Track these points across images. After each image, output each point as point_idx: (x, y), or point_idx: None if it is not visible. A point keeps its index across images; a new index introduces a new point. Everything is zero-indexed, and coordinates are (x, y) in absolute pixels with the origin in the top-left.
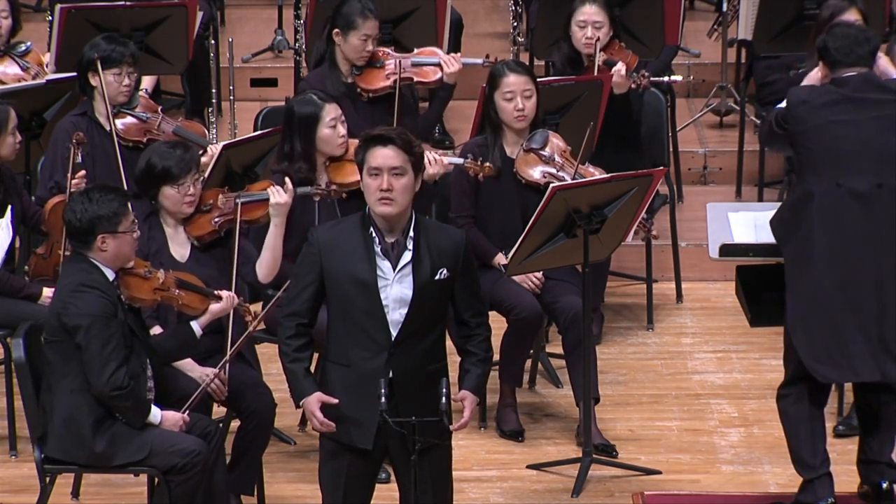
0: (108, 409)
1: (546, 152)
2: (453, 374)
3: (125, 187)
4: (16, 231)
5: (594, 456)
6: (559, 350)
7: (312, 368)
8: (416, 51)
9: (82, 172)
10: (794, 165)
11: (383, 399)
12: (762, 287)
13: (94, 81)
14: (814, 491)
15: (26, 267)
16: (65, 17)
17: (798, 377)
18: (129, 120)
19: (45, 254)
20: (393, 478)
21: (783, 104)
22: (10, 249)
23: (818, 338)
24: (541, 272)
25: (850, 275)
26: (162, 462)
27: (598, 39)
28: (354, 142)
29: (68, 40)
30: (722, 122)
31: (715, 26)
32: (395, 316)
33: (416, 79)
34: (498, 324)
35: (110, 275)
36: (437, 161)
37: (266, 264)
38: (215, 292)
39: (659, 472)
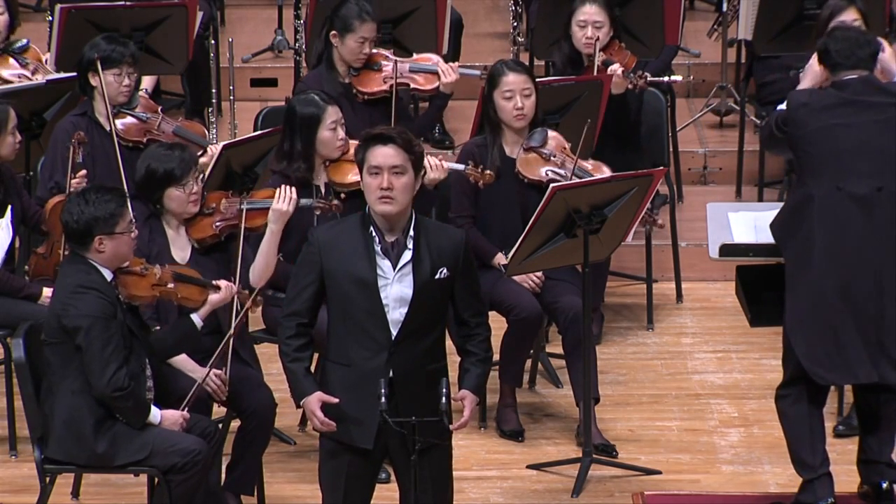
0: (109, 410)
1: (546, 150)
2: (453, 374)
3: (125, 187)
4: (16, 231)
5: (594, 456)
6: (559, 350)
7: (312, 369)
8: (414, 56)
9: (83, 172)
10: (794, 168)
11: (383, 399)
12: (762, 287)
13: (94, 81)
14: (814, 491)
15: (26, 267)
16: (65, 17)
17: (797, 378)
18: (130, 120)
19: (46, 253)
20: (393, 478)
21: (783, 105)
22: (10, 249)
23: (817, 340)
24: (541, 272)
25: (849, 278)
26: (162, 462)
27: (598, 39)
28: (354, 142)
29: (68, 40)
30: (722, 122)
31: (715, 26)
32: (396, 315)
33: (412, 85)
34: (498, 324)
35: (108, 275)
36: (437, 166)
37: (258, 270)
38: (213, 282)
39: (659, 472)
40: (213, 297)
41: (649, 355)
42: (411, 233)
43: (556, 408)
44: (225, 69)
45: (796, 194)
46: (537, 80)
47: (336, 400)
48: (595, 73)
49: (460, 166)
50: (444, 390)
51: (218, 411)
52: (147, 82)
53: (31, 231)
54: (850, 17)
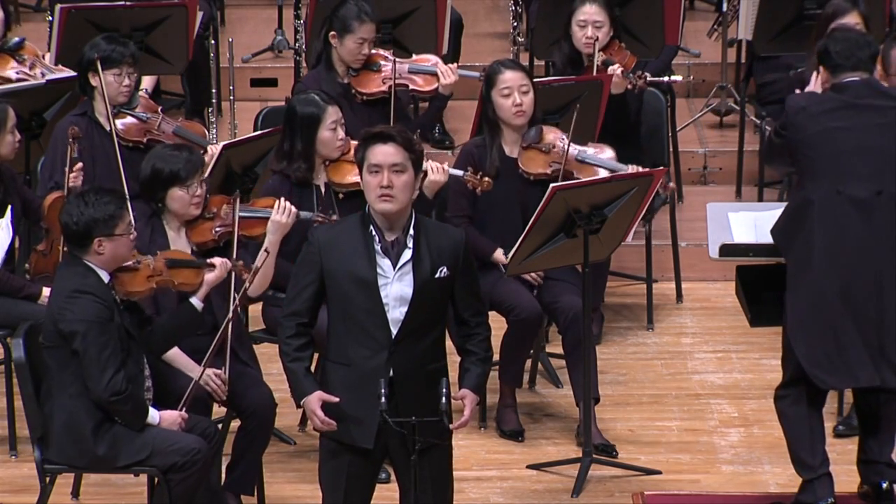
0: (107, 413)
1: (544, 144)
2: (453, 373)
3: (125, 187)
4: (16, 231)
5: (594, 456)
6: (559, 350)
7: (312, 369)
8: (414, 57)
9: (79, 165)
10: (794, 172)
11: (383, 399)
12: (762, 287)
13: (94, 82)
14: (814, 491)
15: (27, 265)
16: (65, 17)
17: (796, 379)
18: (130, 120)
19: (46, 251)
20: (393, 478)
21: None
22: (10, 249)
23: (818, 344)
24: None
25: (849, 282)
26: (162, 461)
27: (597, 39)
28: (354, 143)
29: (68, 40)
30: (722, 122)
31: (715, 26)
32: (396, 314)
33: (411, 86)
34: (498, 324)
35: (105, 276)
36: (438, 169)
37: (256, 281)
38: (208, 261)
39: (659, 472)
40: (209, 277)
41: (649, 355)
42: (411, 232)
43: (556, 408)
44: (225, 69)
45: (796, 198)
46: (538, 80)
47: (336, 399)
48: (595, 73)
49: (459, 172)
50: (444, 390)
51: (218, 411)
52: (147, 82)
53: (32, 223)
54: (853, 20)
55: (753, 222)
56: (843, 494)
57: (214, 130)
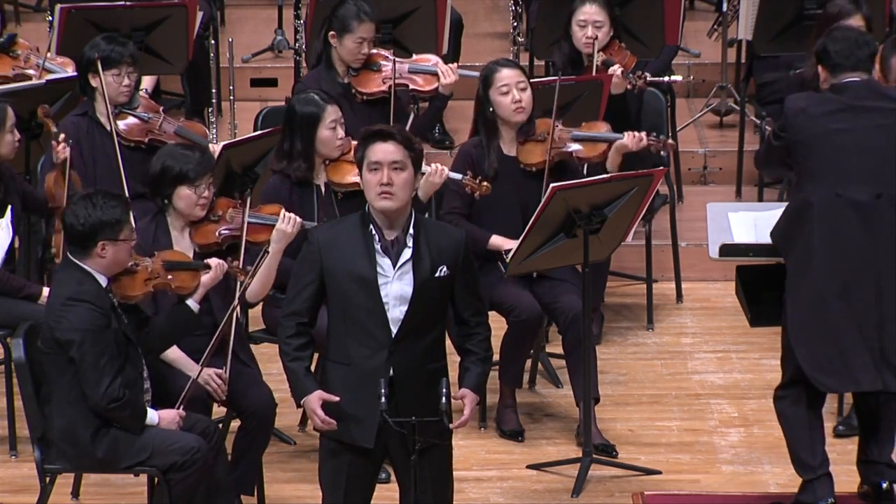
0: (106, 419)
1: (539, 135)
2: (453, 373)
3: (125, 187)
4: (16, 231)
5: (594, 456)
6: (559, 350)
7: (312, 369)
8: (414, 57)
9: (63, 136)
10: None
11: (383, 399)
12: (762, 287)
13: (94, 82)
14: (814, 491)
15: (53, 249)
16: (65, 17)
17: (796, 379)
18: (132, 120)
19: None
20: (393, 478)
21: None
22: (10, 249)
23: (819, 347)
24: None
25: (850, 285)
26: (162, 461)
27: (597, 38)
28: (355, 143)
29: (68, 40)
30: (722, 122)
31: (715, 26)
32: (396, 313)
33: (410, 86)
34: (498, 324)
35: (103, 281)
36: (436, 170)
37: (256, 286)
38: (204, 262)
39: (659, 472)
40: (205, 279)
41: (649, 355)
42: (411, 231)
43: (556, 408)
44: (225, 69)
45: (795, 201)
46: (538, 80)
47: (336, 399)
48: (594, 73)
49: (458, 176)
50: (444, 390)
51: (218, 411)
52: (147, 82)
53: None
54: (857, 22)
55: (753, 222)
56: (843, 494)
57: (214, 130)
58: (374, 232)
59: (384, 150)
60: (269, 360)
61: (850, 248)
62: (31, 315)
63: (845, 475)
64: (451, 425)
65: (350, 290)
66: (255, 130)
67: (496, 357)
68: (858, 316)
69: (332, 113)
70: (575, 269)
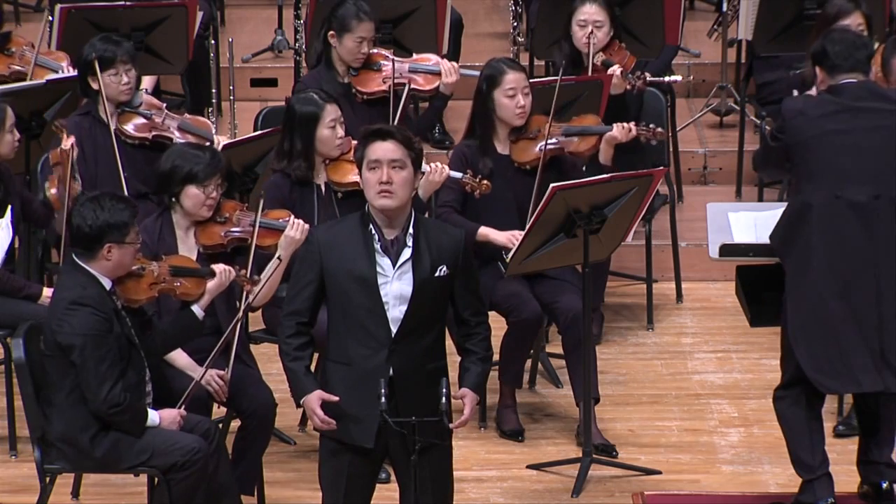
0: (106, 422)
1: (531, 132)
2: (453, 373)
3: (124, 186)
4: (15, 231)
5: (594, 456)
6: (559, 350)
7: (312, 369)
8: (415, 56)
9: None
10: (791, 176)
11: (383, 399)
12: (762, 287)
13: (94, 84)
14: (813, 491)
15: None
16: (65, 17)
17: (795, 380)
18: (139, 120)
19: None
20: (393, 478)
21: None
22: (10, 249)
23: (820, 349)
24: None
25: (849, 286)
26: (163, 461)
27: (592, 33)
28: (356, 143)
29: (68, 40)
30: (722, 122)
31: (715, 26)
32: (395, 313)
33: (411, 85)
34: (498, 324)
35: (107, 284)
36: (437, 169)
37: (262, 292)
38: (210, 268)
39: (659, 472)
40: (211, 285)
41: (649, 355)
42: (411, 230)
43: (556, 408)
44: (225, 69)
45: (794, 203)
46: (538, 80)
47: (336, 398)
48: (590, 73)
49: (458, 175)
50: (444, 390)
51: (218, 411)
52: (147, 82)
53: (31, 228)
54: (856, 21)
55: (753, 222)
56: (843, 494)
57: (214, 130)
58: (373, 231)
59: (384, 149)
60: (269, 360)
61: (850, 249)
62: (31, 315)
63: (845, 475)
64: (451, 425)
65: (350, 289)
66: (255, 130)
67: (496, 357)
68: (858, 317)
69: (331, 112)
70: (575, 269)
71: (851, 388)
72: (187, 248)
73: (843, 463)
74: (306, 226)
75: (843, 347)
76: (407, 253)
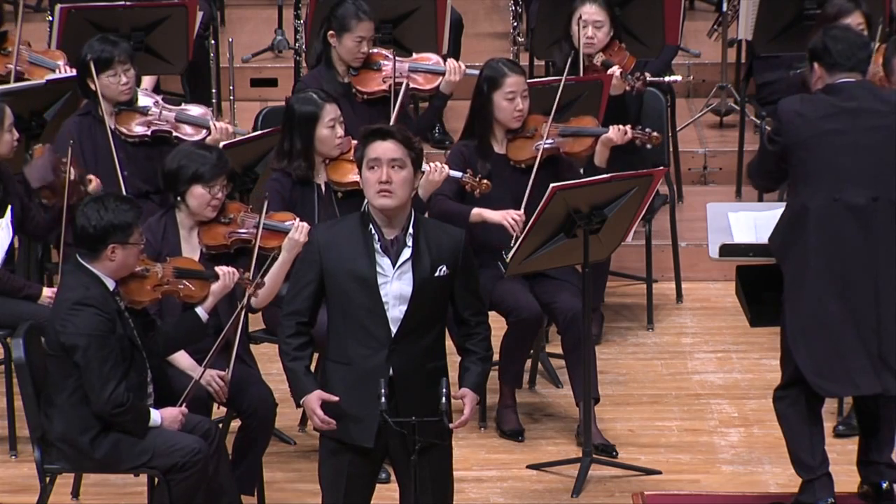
0: (108, 423)
1: (527, 131)
2: (453, 373)
3: (122, 186)
4: (15, 230)
5: (594, 456)
6: (559, 350)
7: (312, 369)
8: (415, 56)
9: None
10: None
11: (383, 399)
12: (762, 287)
13: (92, 85)
14: (813, 491)
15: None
16: (65, 17)
17: (795, 380)
18: (137, 118)
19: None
20: (393, 478)
21: None
22: (10, 249)
23: (819, 352)
24: (521, 210)
25: (848, 288)
26: (163, 462)
27: (587, 27)
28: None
29: (68, 40)
30: (722, 122)
31: (715, 26)
32: (395, 313)
33: (411, 85)
34: (498, 324)
35: (111, 284)
36: (437, 168)
37: (264, 293)
38: (214, 270)
39: (659, 472)
40: (215, 288)
41: (649, 355)
42: (410, 230)
43: (556, 408)
44: (225, 69)
45: (792, 206)
46: (538, 80)
47: (336, 398)
48: (581, 74)
49: (458, 174)
50: (444, 390)
51: (218, 411)
52: (147, 82)
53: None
54: (856, 20)
55: (753, 222)
56: (843, 494)
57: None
58: (373, 231)
59: (383, 148)
60: (269, 360)
61: (848, 251)
62: (31, 315)
63: (845, 475)
64: (451, 425)
65: (350, 289)
66: (254, 130)
67: (496, 357)
68: (857, 320)
69: (330, 111)
70: (575, 269)
71: (850, 392)
72: (191, 247)
73: (843, 463)
74: (307, 227)
75: (841, 350)
76: (407, 253)
